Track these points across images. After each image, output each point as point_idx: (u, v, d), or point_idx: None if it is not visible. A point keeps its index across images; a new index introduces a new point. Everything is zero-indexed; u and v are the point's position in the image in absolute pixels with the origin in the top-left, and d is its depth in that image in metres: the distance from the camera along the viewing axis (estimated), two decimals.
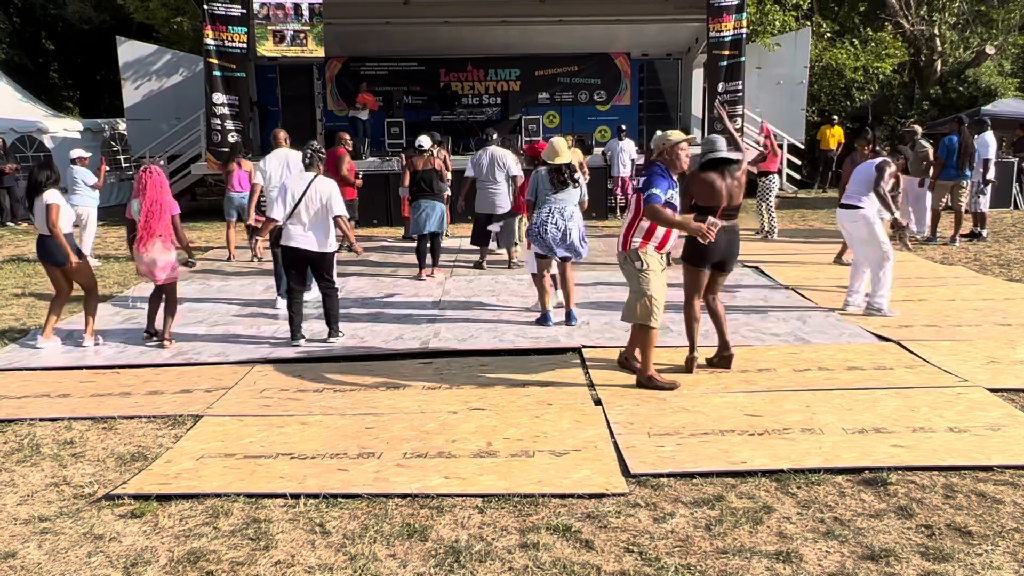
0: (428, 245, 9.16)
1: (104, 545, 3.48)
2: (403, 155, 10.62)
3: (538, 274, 6.96)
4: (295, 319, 6.47)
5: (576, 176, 6.87)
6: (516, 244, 9.73)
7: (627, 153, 13.84)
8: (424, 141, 9.23)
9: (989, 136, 11.58)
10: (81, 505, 3.87)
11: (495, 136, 9.87)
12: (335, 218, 6.34)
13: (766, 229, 11.58)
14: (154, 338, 6.62)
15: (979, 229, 11.37)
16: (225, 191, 10.58)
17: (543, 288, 6.96)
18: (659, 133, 5.38)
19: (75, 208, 10.54)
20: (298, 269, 6.45)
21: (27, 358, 6.32)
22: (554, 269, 7.12)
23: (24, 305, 8.24)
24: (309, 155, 6.46)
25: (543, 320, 6.91)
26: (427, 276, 9.12)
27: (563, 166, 6.75)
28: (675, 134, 5.28)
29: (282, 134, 8.46)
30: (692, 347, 5.57)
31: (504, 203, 9.27)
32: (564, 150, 6.79)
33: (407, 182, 9.31)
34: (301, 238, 6.30)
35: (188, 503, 3.83)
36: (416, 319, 7.28)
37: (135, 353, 6.39)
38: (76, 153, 10.83)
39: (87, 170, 10.58)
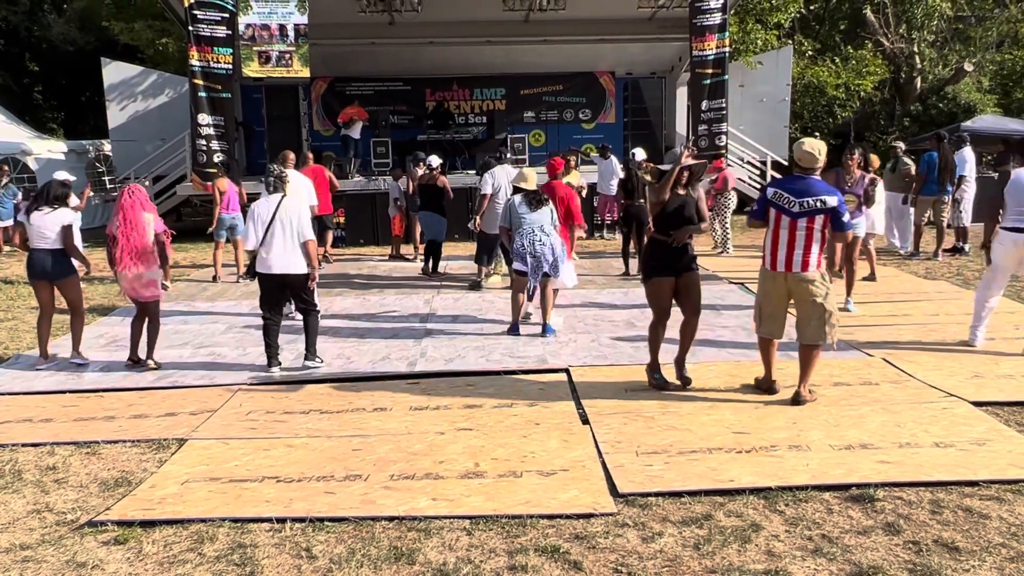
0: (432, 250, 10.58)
1: (87, 573, 3.43)
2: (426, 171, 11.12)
3: (516, 291, 7.34)
4: (271, 346, 6.25)
5: (544, 197, 7.33)
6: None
7: (613, 172, 13.64)
8: (433, 160, 10.79)
9: (967, 152, 11.71)
10: (64, 532, 3.82)
11: (507, 155, 10.06)
12: (303, 243, 6.13)
13: (720, 244, 12.07)
14: (138, 365, 6.54)
15: (961, 244, 11.48)
16: (217, 212, 10.58)
17: (518, 303, 7.35)
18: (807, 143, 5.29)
19: None
20: (275, 296, 6.27)
21: (9, 382, 6.25)
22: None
23: (7, 329, 8.16)
24: (272, 181, 6.29)
25: (513, 331, 7.25)
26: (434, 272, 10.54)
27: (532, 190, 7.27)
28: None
29: (291, 155, 9.10)
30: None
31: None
32: (532, 177, 7.42)
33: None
34: (277, 263, 6.12)
35: (172, 529, 3.79)
36: (403, 338, 7.26)
37: (119, 376, 6.33)
38: (60, 176, 10.81)
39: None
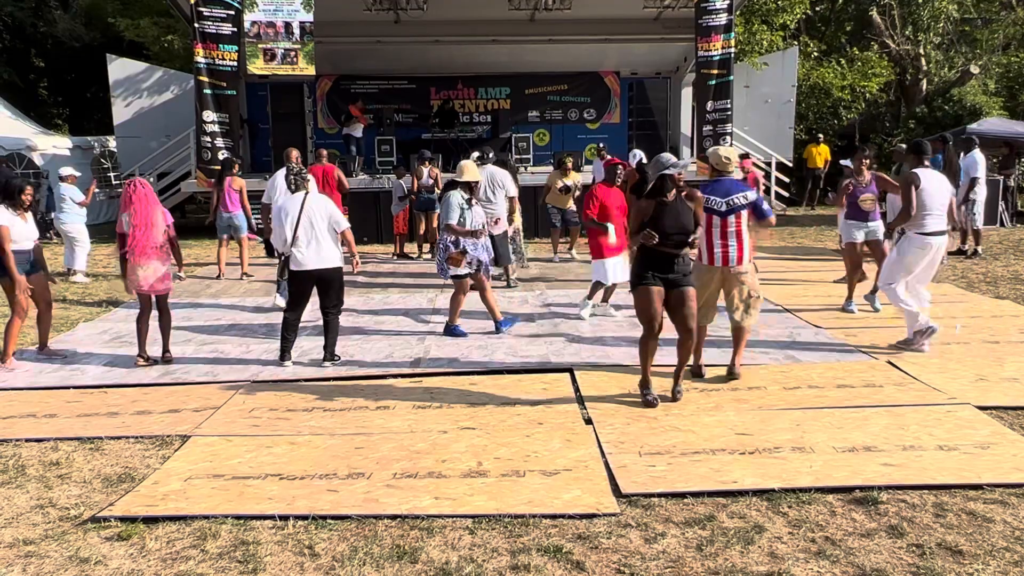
0: None
1: (90, 569, 3.43)
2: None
3: (459, 292, 7.31)
4: (287, 340, 6.37)
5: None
6: (514, 262, 9.81)
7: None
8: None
9: (978, 154, 11.65)
10: (67, 528, 3.82)
11: (491, 155, 9.98)
12: (342, 232, 6.32)
13: None
14: (148, 362, 6.53)
15: (975, 246, 11.44)
16: (217, 210, 10.57)
17: (459, 304, 7.35)
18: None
19: (64, 226, 10.61)
20: (306, 292, 6.36)
21: (13, 378, 6.27)
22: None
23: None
24: (294, 179, 6.42)
25: (457, 332, 7.25)
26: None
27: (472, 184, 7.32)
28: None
29: (294, 153, 9.07)
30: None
31: (501, 222, 9.32)
32: (472, 169, 7.41)
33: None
34: (311, 260, 6.19)
35: (175, 525, 3.80)
36: (406, 337, 7.26)
37: (122, 372, 6.35)
38: (66, 171, 10.90)
39: (75, 188, 10.71)
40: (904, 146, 12.66)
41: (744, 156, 13.86)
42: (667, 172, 5.22)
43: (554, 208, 11.54)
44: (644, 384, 5.36)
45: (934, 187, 6.35)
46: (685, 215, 5.22)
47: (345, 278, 6.54)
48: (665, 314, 5.28)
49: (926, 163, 6.51)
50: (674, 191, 5.24)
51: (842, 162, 10.14)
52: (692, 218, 5.23)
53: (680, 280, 5.21)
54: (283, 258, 6.49)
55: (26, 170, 16.30)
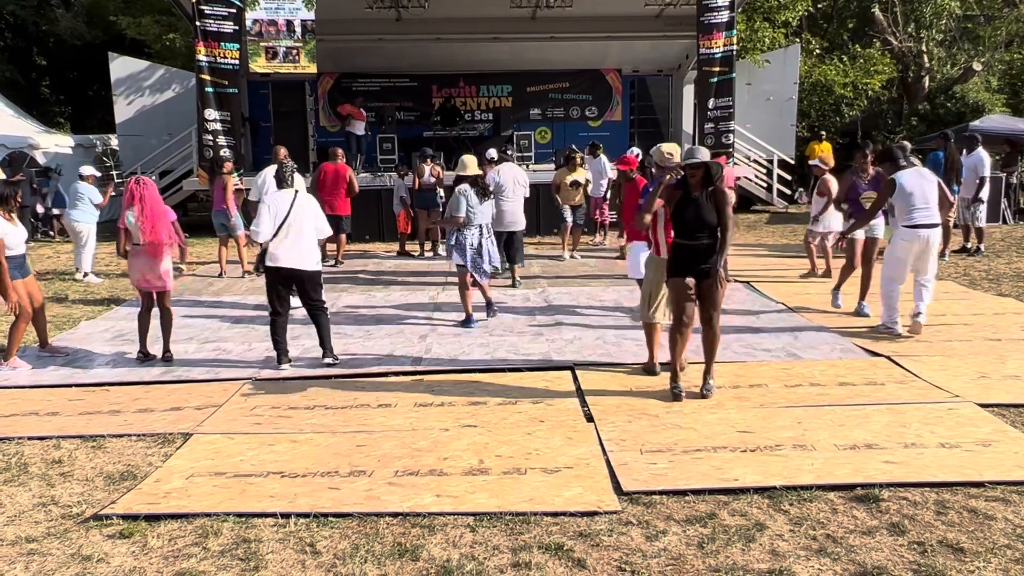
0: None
1: (92, 566, 3.44)
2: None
3: (465, 285, 7.58)
4: (280, 343, 6.28)
5: (490, 188, 7.73)
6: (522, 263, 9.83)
7: (602, 172, 12.64)
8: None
9: (983, 153, 11.59)
10: (69, 525, 3.83)
11: (510, 152, 9.99)
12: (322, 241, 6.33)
13: None
14: (149, 359, 6.56)
15: (979, 245, 11.43)
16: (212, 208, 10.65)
17: (468, 296, 7.62)
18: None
19: (75, 224, 10.64)
20: (284, 290, 6.28)
21: (15, 376, 6.28)
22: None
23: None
24: (288, 175, 6.34)
25: (469, 323, 7.51)
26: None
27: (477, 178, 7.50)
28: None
29: (283, 151, 9.11)
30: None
31: (521, 220, 9.36)
32: (473, 163, 7.54)
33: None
34: (291, 258, 6.13)
35: (177, 523, 3.80)
36: (408, 335, 7.27)
37: (125, 370, 6.36)
38: (87, 171, 10.96)
39: (94, 188, 10.76)
40: (907, 144, 12.66)
41: (723, 155, 13.86)
42: (690, 162, 5.25)
43: (565, 205, 11.50)
44: (672, 376, 5.44)
45: (912, 184, 6.64)
46: (708, 211, 5.24)
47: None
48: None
49: (903, 165, 6.86)
50: (700, 187, 5.26)
51: (811, 162, 10.25)
52: (715, 215, 5.24)
53: (710, 271, 5.25)
54: (262, 251, 6.52)
55: (29, 167, 16.32)
